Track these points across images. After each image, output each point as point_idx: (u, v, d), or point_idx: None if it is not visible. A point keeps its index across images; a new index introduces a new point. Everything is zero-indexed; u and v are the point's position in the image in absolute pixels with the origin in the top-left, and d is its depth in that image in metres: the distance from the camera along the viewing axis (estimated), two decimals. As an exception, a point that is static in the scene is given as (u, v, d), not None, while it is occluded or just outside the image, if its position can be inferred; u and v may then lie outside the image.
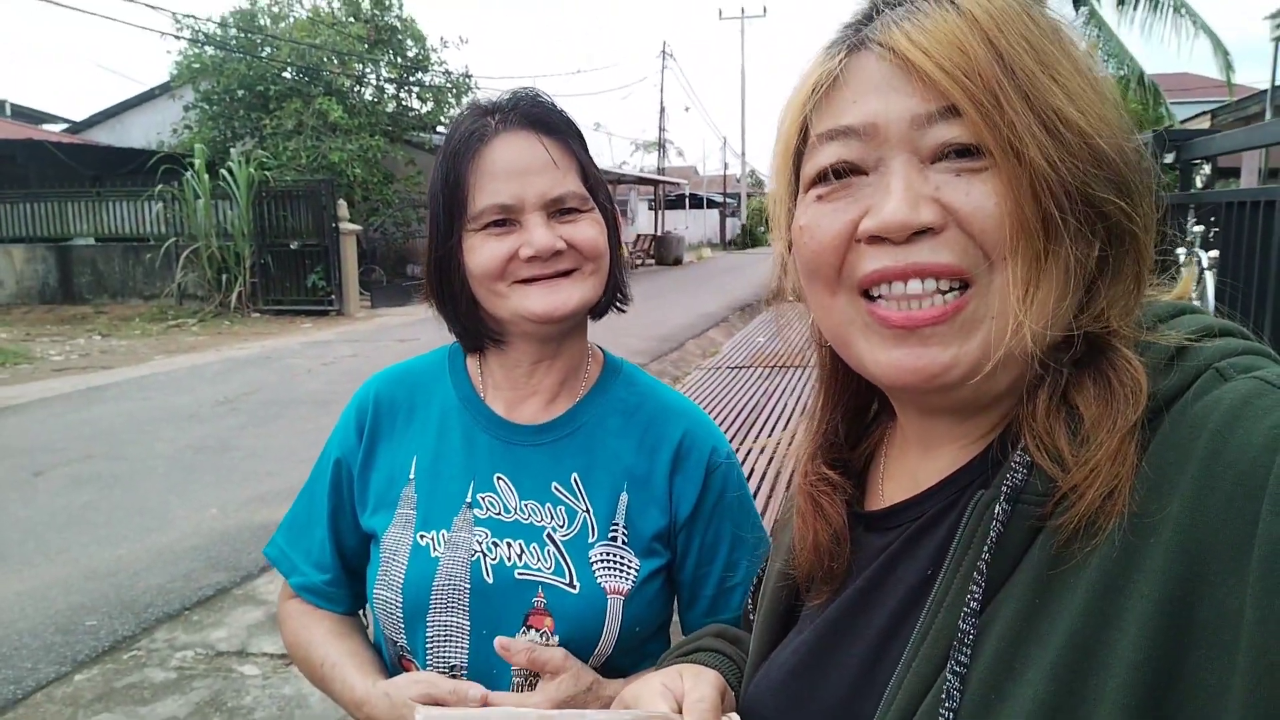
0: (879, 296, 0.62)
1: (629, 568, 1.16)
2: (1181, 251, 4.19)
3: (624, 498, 1.19)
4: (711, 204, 52.23)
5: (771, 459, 6.32)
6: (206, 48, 20.71)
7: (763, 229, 49.91)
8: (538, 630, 1.12)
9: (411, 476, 1.21)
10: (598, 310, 1.23)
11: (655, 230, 35.02)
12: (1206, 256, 3.31)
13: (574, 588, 1.13)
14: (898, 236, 0.59)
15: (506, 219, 1.12)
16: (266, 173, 17.70)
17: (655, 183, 36.63)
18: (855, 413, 0.80)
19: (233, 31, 20.94)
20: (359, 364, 11.71)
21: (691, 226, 45.35)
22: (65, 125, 25.96)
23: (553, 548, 1.14)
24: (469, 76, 23.21)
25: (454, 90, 22.97)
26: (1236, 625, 0.47)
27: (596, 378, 1.27)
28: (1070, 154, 0.56)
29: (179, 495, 6.09)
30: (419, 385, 1.27)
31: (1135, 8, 14.63)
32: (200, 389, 9.94)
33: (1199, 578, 0.49)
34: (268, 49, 20.70)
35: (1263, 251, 3.10)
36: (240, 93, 20.38)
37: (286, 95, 20.19)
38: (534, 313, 1.13)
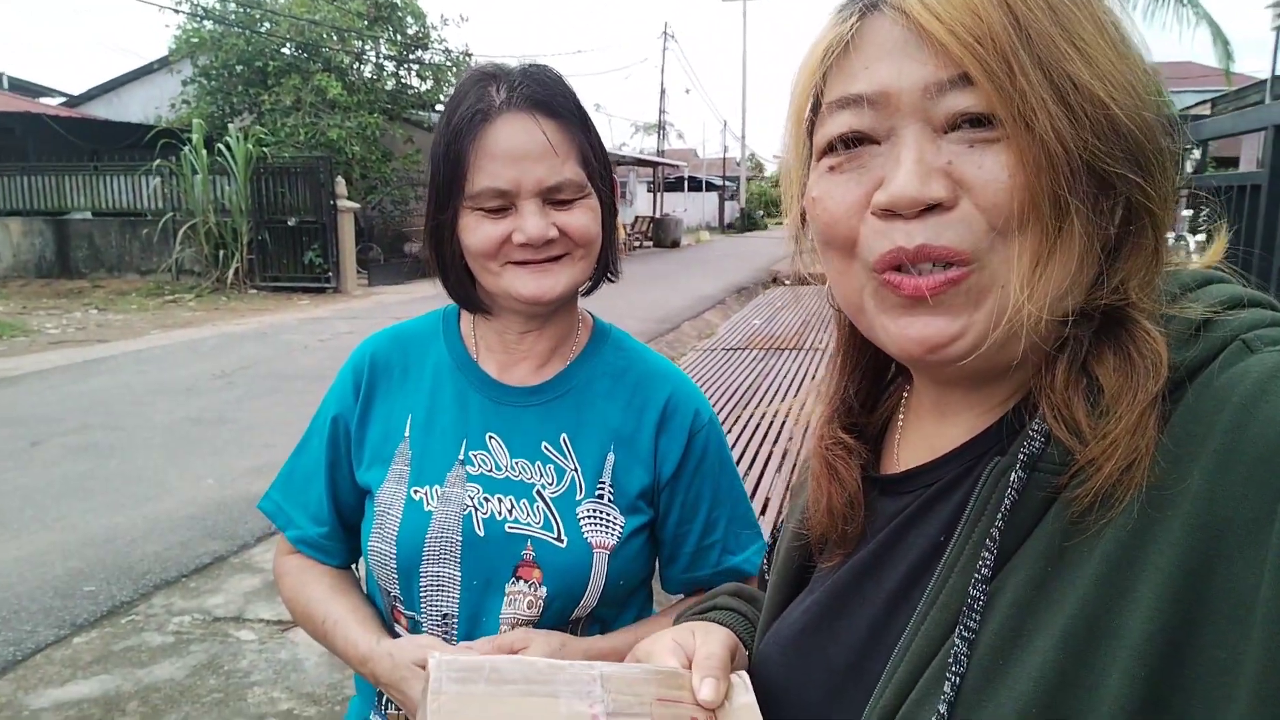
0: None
1: (614, 524, 1.20)
2: (1171, 235, 4.24)
3: (611, 457, 1.22)
4: (711, 187, 52.07)
5: (780, 430, 6.38)
6: (205, 22, 20.60)
7: (761, 213, 49.87)
8: (526, 581, 1.16)
9: (406, 434, 1.24)
10: (588, 289, 1.27)
11: (654, 212, 34.93)
12: (1194, 241, 3.34)
13: (561, 542, 1.17)
14: (908, 211, 0.58)
15: (502, 203, 1.13)
16: (264, 149, 17.65)
17: (654, 165, 36.52)
18: (872, 376, 0.80)
19: (231, 6, 20.83)
20: (356, 340, 11.58)
21: (690, 209, 45.22)
22: (63, 99, 25.86)
23: (542, 504, 1.18)
24: (469, 55, 23.13)
25: (454, 68, 22.86)
26: (1251, 602, 0.47)
27: (586, 342, 1.30)
28: (1084, 126, 0.55)
29: (176, 466, 6.14)
30: (413, 346, 1.30)
31: (1138, -7, 14.56)
32: (197, 363, 9.97)
33: (1215, 552, 0.49)
34: (267, 24, 20.60)
35: (1247, 235, 3.14)
36: (239, 68, 20.28)
37: (285, 71, 20.10)
38: (522, 295, 1.16)
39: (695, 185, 50.55)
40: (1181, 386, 0.54)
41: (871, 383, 0.80)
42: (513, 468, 1.20)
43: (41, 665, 3.63)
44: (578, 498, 1.20)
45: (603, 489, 1.21)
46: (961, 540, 0.60)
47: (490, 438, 1.22)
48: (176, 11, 20.26)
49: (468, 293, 1.24)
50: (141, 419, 7.40)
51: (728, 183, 53.20)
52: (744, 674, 0.77)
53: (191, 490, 5.64)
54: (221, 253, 17.19)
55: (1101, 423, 0.55)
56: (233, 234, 17.11)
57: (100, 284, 17.54)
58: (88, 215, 18.49)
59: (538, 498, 1.19)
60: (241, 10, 20.69)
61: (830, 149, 0.63)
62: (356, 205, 18.39)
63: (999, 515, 0.57)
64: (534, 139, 1.12)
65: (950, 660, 0.56)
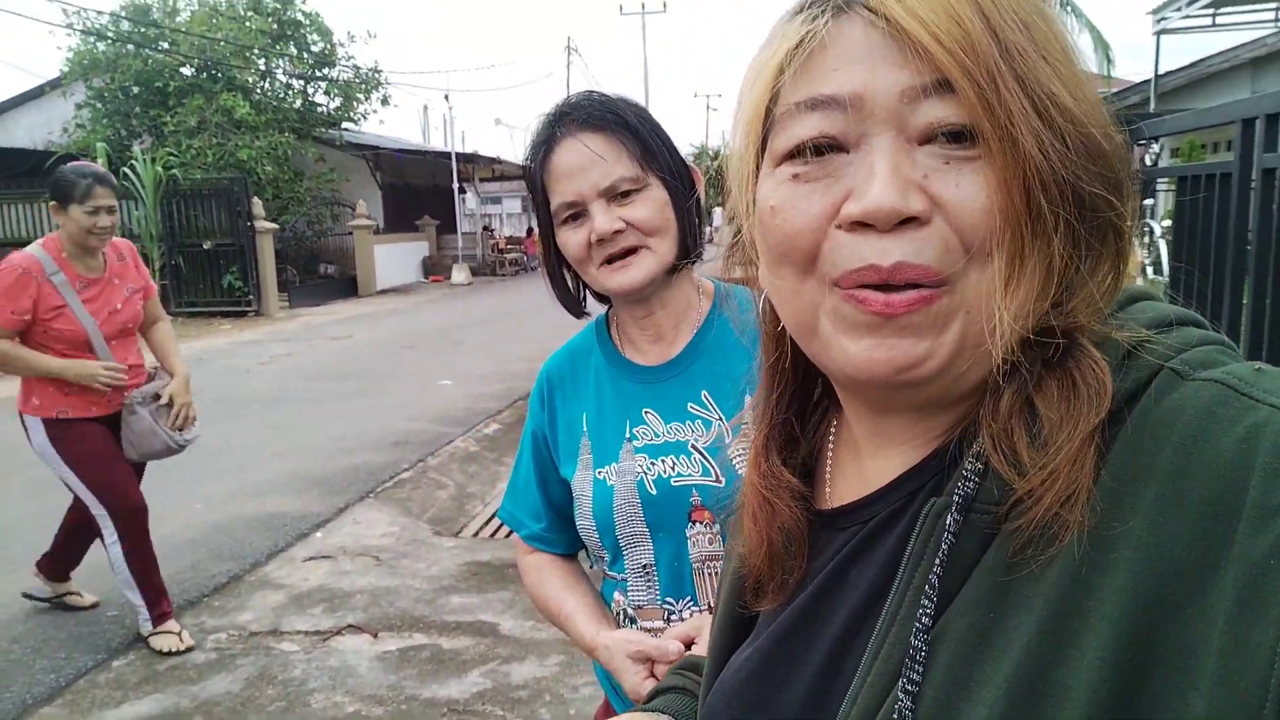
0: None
1: None
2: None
3: (748, 398, 1.39)
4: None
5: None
6: (98, 43, 19.83)
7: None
8: (700, 523, 1.37)
9: (584, 429, 1.46)
10: (676, 268, 1.42)
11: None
12: (1160, 225, 3.72)
13: (720, 482, 1.36)
14: (884, 225, 0.54)
15: (577, 212, 1.34)
16: (173, 171, 17.14)
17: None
18: (800, 402, 0.77)
19: (125, 25, 20.13)
20: (297, 362, 11.55)
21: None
22: (-62, 125, 24.39)
23: (698, 455, 1.39)
24: (378, 71, 22.90)
25: (363, 85, 22.61)
26: (1202, 651, 0.45)
27: (707, 310, 1.48)
28: (1064, 144, 0.53)
29: (156, 490, 5.99)
30: (578, 357, 1.53)
31: None
32: (137, 392, 9.68)
33: (1162, 600, 0.47)
34: (164, 43, 19.97)
35: (1205, 219, 3.52)
36: (136, 89, 19.62)
37: (187, 91, 19.53)
38: (614, 290, 1.37)
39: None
40: (1118, 415, 0.53)
41: (799, 410, 0.77)
42: (668, 432, 1.41)
43: (87, 690, 3.59)
44: (726, 441, 1.39)
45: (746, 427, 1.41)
46: (902, 587, 0.58)
47: (646, 413, 1.43)
48: (68, 33, 19.47)
49: (588, 290, 1.47)
50: (100, 449, 7.19)
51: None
52: None
53: (183, 515, 5.56)
54: (133, 280, 16.57)
55: (1041, 454, 0.53)
56: (144, 260, 16.51)
57: (0, 317, 16.68)
58: (-20, 246, 17.56)
59: (693, 451, 1.39)
60: (137, 29, 20.01)
61: (794, 154, 0.59)
62: (275, 226, 18.01)
63: (937, 561, 0.56)
64: (582, 154, 1.33)
65: (895, 716, 0.54)
